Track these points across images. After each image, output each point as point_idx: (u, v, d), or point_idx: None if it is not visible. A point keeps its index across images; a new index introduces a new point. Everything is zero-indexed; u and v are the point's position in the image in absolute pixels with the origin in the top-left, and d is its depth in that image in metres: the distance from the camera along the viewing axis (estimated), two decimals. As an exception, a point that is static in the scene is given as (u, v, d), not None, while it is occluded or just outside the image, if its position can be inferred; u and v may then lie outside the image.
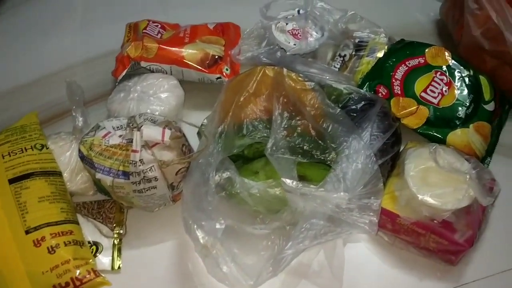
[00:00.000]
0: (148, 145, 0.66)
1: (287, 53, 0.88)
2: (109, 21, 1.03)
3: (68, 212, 0.68)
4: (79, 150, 0.68)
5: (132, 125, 0.68)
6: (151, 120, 0.69)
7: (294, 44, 0.89)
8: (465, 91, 0.84)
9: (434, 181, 0.68)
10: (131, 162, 0.65)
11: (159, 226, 0.75)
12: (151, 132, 0.66)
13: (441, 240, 0.68)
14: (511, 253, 0.74)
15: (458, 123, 0.81)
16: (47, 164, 0.71)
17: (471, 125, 0.81)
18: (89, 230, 0.71)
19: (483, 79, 0.86)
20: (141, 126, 0.66)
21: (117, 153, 0.66)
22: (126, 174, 0.66)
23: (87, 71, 0.95)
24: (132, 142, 0.65)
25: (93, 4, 1.08)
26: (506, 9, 0.84)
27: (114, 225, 0.73)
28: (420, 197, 0.67)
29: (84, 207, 0.74)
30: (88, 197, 0.76)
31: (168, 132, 0.66)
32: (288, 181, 0.64)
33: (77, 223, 0.69)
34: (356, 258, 0.74)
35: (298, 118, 0.72)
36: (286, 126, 0.71)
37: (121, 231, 0.73)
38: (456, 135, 0.81)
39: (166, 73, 0.86)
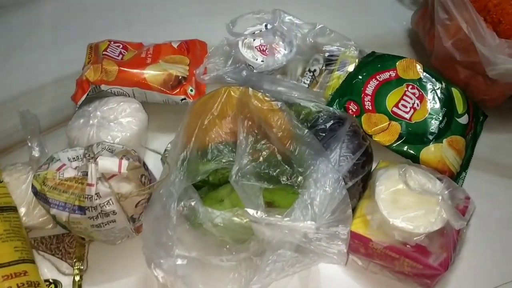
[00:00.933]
0: (104, 177, 0.63)
1: (255, 70, 0.85)
2: (71, 41, 1.00)
3: (22, 250, 0.65)
4: (32, 185, 0.64)
5: (89, 155, 0.65)
6: (109, 149, 0.66)
7: (262, 61, 0.86)
8: (438, 105, 0.82)
9: (405, 204, 0.65)
10: (87, 196, 0.62)
11: (122, 259, 0.71)
12: (107, 164, 0.62)
13: (415, 264, 0.65)
14: (488, 272, 0.72)
15: (431, 138, 0.79)
16: (0, 200, 0.67)
17: (444, 140, 0.79)
18: (48, 267, 0.68)
19: (455, 92, 0.84)
20: (97, 157, 0.63)
21: (72, 187, 0.63)
22: (82, 209, 0.63)
23: (46, 95, 0.91)
24: (87, 175, 0.62)
25: (54, 24, 1.04)
26: (476, 19, 0.82)
27: (75, 260, 0.69)
28: (391, 221, 0.64)
29: (42, 243, 0.70)
30: (47, 231, 0.72)
31: (125, 163, 0.63)
32: (252, 211, 0.61)
33: (32, 261, 0.66)
34: (331, 282, 0.71)
35: (263, 141, 0.69)
36: (251, 150, 0.68)
37: (82, 267, 0.69)
38: (430, 151, 0.78)
39: (129, 96, 0.82)
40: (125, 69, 0.81)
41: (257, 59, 0.86)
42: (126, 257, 0.71)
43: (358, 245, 0.68)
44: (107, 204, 0.62)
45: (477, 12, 0.83)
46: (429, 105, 0.82)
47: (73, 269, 0.69)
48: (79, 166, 0.65)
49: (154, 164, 0.76)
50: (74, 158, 0.66)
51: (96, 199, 0.62)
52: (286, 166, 0.67)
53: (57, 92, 0.92)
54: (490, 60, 0.80)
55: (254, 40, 0.89)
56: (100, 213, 0.63)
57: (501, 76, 0.81)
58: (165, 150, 0.75)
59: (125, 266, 0.71)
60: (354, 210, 0.70)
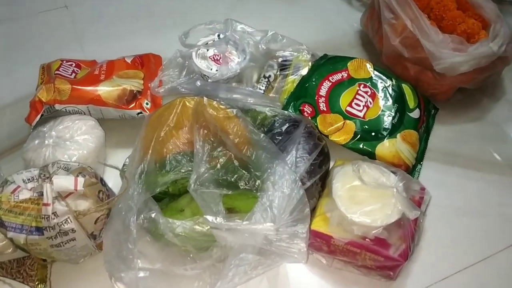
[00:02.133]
0: (61, 196, 0.62)
1: (209, 80, 0.86)
2: (25, 64, 0.98)
3: (-19, 277, 0.63)
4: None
5: (44, 176, 0.64)
6: (65, 168, 0.66)
7: (216, 70, 0.87)
8: (390, 101, 0.84)
9: (362, 199, 0.67)
10: (43, 216, 0.61)
11: (87, 277, 0.70)
12: (63, 182, 0.62)
13: (376, 257, 0.67)
14: (448, 259, 0.74)
15: (385, 134, 0.81)
16: (-44, 227, 0.66)
17: (398, 135, 0.81)
18: (9, 293, 0.67)
19: (406, 88, 0.87)
20: (53, 177, 0.62)
21: (28, 208, 0.62)
22: (40, 230, 0.62)
23: (1, 120, 0.90)
24: (43, 195, 0.61)
25: (5, 47, 1.03)
26: (420, 17, 0.85)
27: (37, 283, 0.68)
28: (349, 216, 0.65)
29: (1, 268, 0.69)
30: (7, 255, 0.71)
31: (81, 180, 0.63)
32: (211, 218, 0.61)
33: (-8, 288, 0.65)
34: (298, 282, 0.72)
35: (220, 148, 0.70)
36: (208, 158, 0.69)
37: (45, 289, 0.68)
38: (384, 147, 0.80)
39: (84, 113, 0.82)
40: (78, 87, 0.80)
41: (211, 69, 0.87)
42: (90, 275, 0.70)
43: (321, 243, 0.69)
44: (65, 222, 0.62)
45: (421, 10, 0.87)
46: (381, 102, 0.84)
47: (36, 292, 0.68)
48: (34, 187, 0.64)
49: (115, 180, 0.76)
50: (29, 179, 0.65)
51: (54, 219, 0.61)
52: (244, 171, 0.68)
53: (12, 115, 0.90)
54: (436, 55, 0.83)
55: (207, 50, 0.90)
56: (59, 233, 0.62)
57: (447, 69, 0.84)
58: (124, 165, 0.75)
59: (90, 284, 0.70)
60: (314, 209, 0.71)
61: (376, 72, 0.88)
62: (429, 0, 0.91)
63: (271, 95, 0.89)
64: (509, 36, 0.85)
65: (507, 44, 0.84)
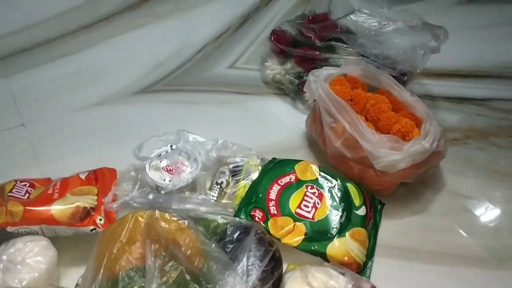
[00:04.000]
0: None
1: (163, 191, 0.89)
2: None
3: None
4: None
5: (-9, 305, 0.63)
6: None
7: (169, 181, 0.90)
8: (336, 201, 0.88)
9: (313, 304, 0.68)
10: None
11: None
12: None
13: None
14: None
15: (334, 233, 0.84)
16: None
17: (347, 233, 0.85)
18: None
19: (350, 186, 0.92)
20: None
21: None
22: None
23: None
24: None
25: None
26: (357, 121, 0.92)
27: None
28: (302, 323, 0.66)
29: None
30: None
31: (29, 308, 0.62)
32: (162, 338, 0.61)
33: None
34: None
35: (171, 263, 0.71)
36: (159, 274, 0.69)
37: None
38: (335, 246, 0.83)
39: (37, 233, 0.82)
40: (31, 208, 0.81)
41: (164, 180, 0.90)
42: None
43: None
44: None
45: (358, 113, 0.94)
46: (328, 202, 0.88)
47: None
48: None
49: (69, 300, 0.75)
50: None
51: None
52: (195, 285, 0.69)
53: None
54: (374, 154, 0.89)
55: (160, 161, 0.93)
56: None
57: (386, 167, 0.89)
58: (77, 285, 0.75)
59: None
60: (269, 317, 0.72)
61: (321, 173, 0.93)
62: (364, 103, 0.98)
63: (224, 201, 0.92)
64: (439, 132, 0.92)
65: (438, 140, 0.91)
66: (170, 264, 0.71)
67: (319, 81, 0.99)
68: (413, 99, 0.99)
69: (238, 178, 0.95)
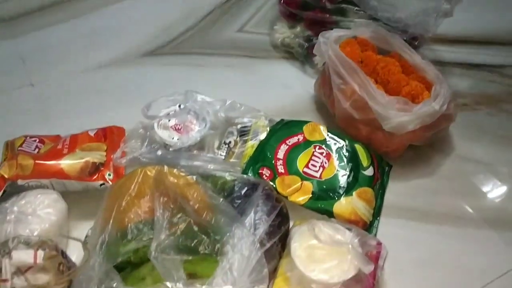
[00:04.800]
0: (21, 270, 0.63)
1: (171, 149, 0.89)
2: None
3: None
4: None
5: (3, 251, 0.64)
6: (25, 242, 0.66)
7: (178, 139, 0.90)
8: (344, 161, 0.89)
9: (319, 257, 0.69)
10: (2, 292, 0.61)
11: None
12: (22, 256, 0.63)
13: (337, 314, 0.68)
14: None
15: (341, 192, 0.85)
16: None
17: (354, 193, 0.85)
18: None
19: (358, 147, 0.91)
20: (12, 251, 0.63)
21: (-13, 286, 0.62)
22: (-2, 307, 0.62)
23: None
24: (1, 270, 0.62)
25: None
26: (366, 82, 0.91)
27: None
28: (308, 274, 0.67)
29: None
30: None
31: (41, 253, 0.63)
32: (170, 284, 0.62)
33: None
34: None
35: (179, 215, 0.71)
36: (168, 225, 0.70)
37: None
38: (341, 205, 0.83)
39: (47, 187, 0.83)
40: (41, 161, 0.82)
41: (173, 138, 0.91)
42: None
43: (284, 304, 0.70)
44: (24, 298, 0.62)
45: (368, 75, 0.93)
46: (336, 162, 0.88)
47: None
48: (-6, 263, 0.64)
49: (79, 253, 0.76)
50: (-12, 256, 0.66)
51: (13, 294, 0.61)
52: (203, 236, 0.70)
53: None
54: (383, 115, 0.89)
55: (169, 120, 0.93)
56: (18, 308, 0.62)
57: (395, 128, 0.89)
58: (86, 236, 0.76)
59: None
60: (275, 269, 0.73)
61: (330, 134, 0.92)
62: (375, 65, 0.98)
63: (232, 160, 0.92)
64: (449, 95, 0.92)
65: (448, 102, 0.91)
66: (178, 216, 0.71)
67: (329, 42, 0.98)
68: (424, 62, 0.98)
69: (246, 138, 0.95)
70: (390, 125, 0.88)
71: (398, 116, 0.88)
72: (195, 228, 0.70)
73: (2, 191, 0.81)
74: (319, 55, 1.01)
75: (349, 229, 0.73)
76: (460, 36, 1.25)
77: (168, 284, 0.62)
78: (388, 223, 0.87)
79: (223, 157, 0.92)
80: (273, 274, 0.72)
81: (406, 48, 1.00)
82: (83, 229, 0.82)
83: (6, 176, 0.80)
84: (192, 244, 0.69)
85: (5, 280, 0.61)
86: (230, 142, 0.95)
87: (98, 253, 0.68)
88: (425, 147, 0.97)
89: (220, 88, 1.10)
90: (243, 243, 0.67)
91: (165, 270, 0.65)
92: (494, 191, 0.95)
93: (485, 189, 0.95)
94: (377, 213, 0.87)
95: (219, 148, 0.94)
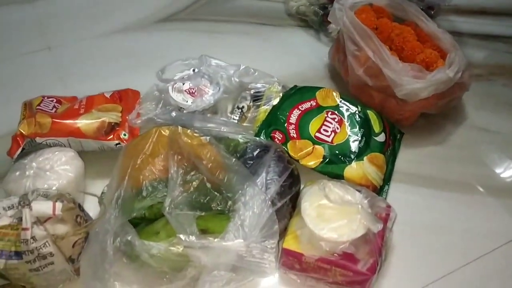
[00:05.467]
0: (40, 221, 0.65)
1: (185, 111, 0.90)
2: (7, 102, 1.02)
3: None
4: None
5: (24, 203, 0.66)
6: (44, 195, 0.68)
7: (192, 102, 0.92)
8: (356, 127, 0.89)
9: (329, 216, 0.70)
10: (22, 240, 0.63)
11: (65, 303, 0.72)
12: (41, 207, 0.65)
13: (345, 272, 0.70)
14: (415, 274, 0.77)
15: (352, 157, 0.86)
16: None
17: (365, 158, 0.86)
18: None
19: (371, 114, 0.92)
20: (32, 203, 0.65)
21: (8, 234, 0.64)
22: (19, 254, 0.64)
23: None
24: (22, 220, 0.64)
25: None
26: (381, 48, 0.91)
27: (16, 310, 0.70)
28: (317, 233, 0.69)
29: (-19, 297, 0.70)
30: (-13, 284, 0.72)
31: (59, 205, 0.65)
32: (184, 236, 0.64)
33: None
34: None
35: (193, 173, 0.73)
36: (182, 182, 0.72)
37: (24, 315, 0.69)
38: (352, 169, 0.84)
39: (64, 146, 0.85)
40: (58, 120, 0.84)
41: (187, 101, 0.92)
42: (68, 301, 0.72)
43: (293, 262, 0.72)
44: (43, 246, 0.64)
45: (382, 42, 0.93)
46: (348, 128, 0.89)
47: (15, 318, 0.69)
48: (14, 214, 0.66)
49: (94, 209, 0.78)
50: (9, 207, 0.68)
51: (32, 243, 0.64)
52: (216, 193, 0.71)
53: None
54: (397, 82, 0.89)
55: (183, 84, 0.94)
56: (38, 256, 0.64)
57: (408, 95, 0.89)
58: (102, 192, 0.78)
59: (68, 310, 0.72)
60: (286, 229, 0.74)
61: (342, 100, 0.93)
62: (389, 32, 0.97)
63: (244, 124, 0.93)
64: (464, 64, 0.91)
65: (463, 71, 0.90)
66: (192, 173, 0.73)
67: (344, 9, 0.97)
68: (440, 31, 0.98)
69: (259, 103, 0.96)
70: (404, 92, 0.89)
71: (412, 83, 0.88)
72: (208, 186, 0.72)
73: (21, 148, 0.83)
74: (333, 21, 1.00)
75: (359, 191, 0.74)
76: (476, 7, 1.24)
77: (181, 236, 0.64)
78: (398, 189, 0.88)
79: (236, 121, 0.93)
80: (283, 233, 0.74)
81: (422, 16, 1.00)
82: (97, 188, 0.83)
83: (25, 133, 0.82)
84: (205, 201, 0.71)
85: (25, 229, 0.63)
86: (243, 106, 0.96)
87: (114, 207, 0.70)
88: (437, 116, 0.98)
89: (234, 54, 1.10)
90: (255, 201, 0.69)
91: (179, 224, 0.67)
92: (505, 160, 0.95)
93: (495, 158, 0.95)
94: (387, 178, 0.88)
95: (232, 112, 0.95)
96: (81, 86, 1.05)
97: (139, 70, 1.09)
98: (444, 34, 0.97)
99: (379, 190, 0.85)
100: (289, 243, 0.71)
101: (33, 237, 0.64)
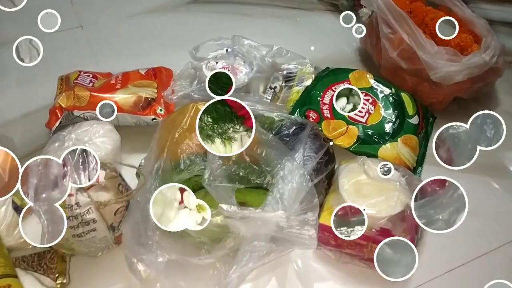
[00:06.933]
0: (84, 188, 0.66)
1: (219, 90, 0.91)
2: (44, 77, 1.03)
3: (5, 266, 0.66)
4: (12, 201, 0.67)
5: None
6: (86, 163, 0.69)
7: (226, 81, 0.92)
8: (390, 108, 0.89)
9: (367, 192, 0.71)
10: (67, 206, 0.65)
11: (104, 270, 0.73)
12: (86, 174, 0.66)
13: (382, 248, 0.70)
14: (449, 255, 0.78)
15: (386, 138, 0.86)
16: (-20, 221, 0.69)
17: (399, 139, 0.86)
18: (31, 283, 0.69)
19: (405, 96, 0.92)
20: (75, 169, 0.66)
21: (53, 200, 0.66)
22: (63, 219, 0.65)
23: (23, 126, 0.94)
24: (67, 186, 0.65)
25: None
26: (416, 31, 0.91)
27: (57, 275, 0.71)
28: (355, 208, 0.69)
29: (23, 261, 0.71)
30: (27, 250, 0.74)
31: (102, 173, 0.67)
32: (226, 206, 0.65)
33: (15, 276, 0.67)
34: (307, 277, 0.75)
35: (232, 146, 0.74)
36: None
37: (65, 281, 0.71)
38: (386, 149, 0.85)
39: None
40: (96, 94, 0.85)
41: (221, 80, 0.92)
42: (107, 269, 0.73)
43: (328, 237, 0.73)
44: (87, 212, 0.65)
45: (416, 25, 0.93)
46: (382, 109, 0.89)
47: (56, 283, 0.70)
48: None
49: (131, 181, 0.79)
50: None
51: (76, 209, 0.65)
52: (255, 166, 0.72)
53: (27, 126, 0.94)
54: (432, 65, 0.89)
55: (216, 63, 0.95)
56: (81, 222, 0.65)
57: (443, 78, 0.89)
58: (139, 165, 0.79)
59: (106, 278, 0.73)
60: (321, 205, 0.75)
61: (376, 82, 0.93)
62: (424, 16, 0.97)
63: (278, 104, 0.94)
64: (499, 49, 0.91)
65: (498, 55, 0.90)
66: (230, 147, 0.74)
67: (378, -8, 0.97)
68: (474, 15, 0.97)
69: (291, 84, 0.96)
70: (438, 74, 0.88)
71: (447, 66, 0.88)
72: (247, 159, 0.73)
73: (59, 121, 0.84)
74: (367, 4, 1.00)
75: (397, 169, 0.74)
76: (508, -5, 1.23)
77: (223, 206, 0.65)
78: (431, 171, 0.88)
79: (269, 101, 0.94)
80: (319, 210, 0.74)
81: (457, 1, 0.99)
82: (133, 162, 0.84)
83: (63, 105, 0.84)
84: (244, 174, 0.71)
85: (70, 195, 0.64)
86: (275, 87, 0.96)
87: (154, 178, 0.70)
88: (469, 101, 0.97)
89: (265, 37, 1.10)
90: (293, 175, 0.69)
91: (218, 195, 0.68)
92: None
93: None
94: (420, 160, 0.88)
95: (264, 92, 0.96)
96: (113, 64, 1.06)
97: (170, 50, 1.09)
98: (478, 19, 0.96)
99: (413, 171, 0.85)
100: (325, 219, 0.72)
101: (77, 203, 0.65)
